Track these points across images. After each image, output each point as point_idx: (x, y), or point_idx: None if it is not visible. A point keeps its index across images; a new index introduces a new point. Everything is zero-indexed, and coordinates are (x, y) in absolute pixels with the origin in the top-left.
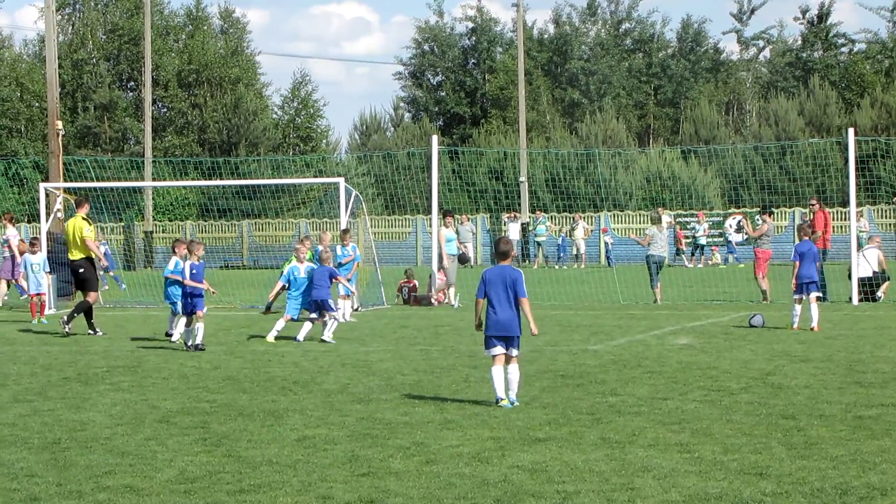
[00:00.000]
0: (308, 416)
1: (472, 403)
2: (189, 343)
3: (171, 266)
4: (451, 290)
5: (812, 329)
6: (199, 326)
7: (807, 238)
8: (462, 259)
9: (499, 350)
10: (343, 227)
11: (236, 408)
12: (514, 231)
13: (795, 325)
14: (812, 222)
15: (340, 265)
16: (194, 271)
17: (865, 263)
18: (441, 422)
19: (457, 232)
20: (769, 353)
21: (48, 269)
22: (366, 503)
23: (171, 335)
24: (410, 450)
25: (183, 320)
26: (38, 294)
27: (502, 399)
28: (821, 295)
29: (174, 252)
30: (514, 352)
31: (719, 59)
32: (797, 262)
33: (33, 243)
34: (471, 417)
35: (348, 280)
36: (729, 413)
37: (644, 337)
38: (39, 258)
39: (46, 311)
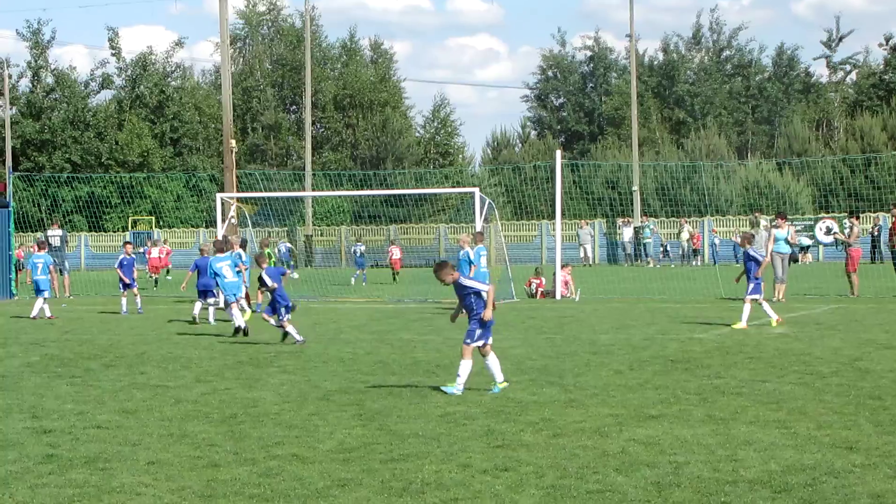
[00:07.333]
0: (449, 396)
1: (592, 385)
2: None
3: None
4: (783, 287)
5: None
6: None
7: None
8: (792, 258)
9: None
10: (478, 229)
11: (387, 388)
12: (627, 234)
13: (776, 318)
14: (893, 226)
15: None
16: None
17: None
18: (565, 401)
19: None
20: (857, 342)
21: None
22: (501, 471)
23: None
24: (539, 425)
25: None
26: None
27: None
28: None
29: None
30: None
31: (810, 82)
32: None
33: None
34: (592, 397)
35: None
36: (821, 394)
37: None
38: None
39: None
